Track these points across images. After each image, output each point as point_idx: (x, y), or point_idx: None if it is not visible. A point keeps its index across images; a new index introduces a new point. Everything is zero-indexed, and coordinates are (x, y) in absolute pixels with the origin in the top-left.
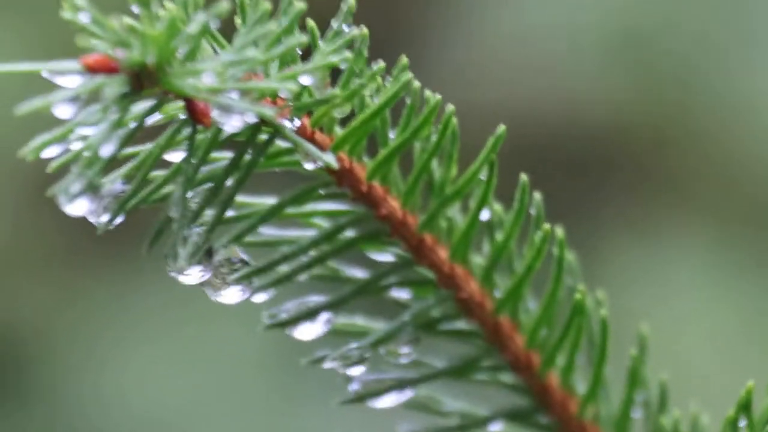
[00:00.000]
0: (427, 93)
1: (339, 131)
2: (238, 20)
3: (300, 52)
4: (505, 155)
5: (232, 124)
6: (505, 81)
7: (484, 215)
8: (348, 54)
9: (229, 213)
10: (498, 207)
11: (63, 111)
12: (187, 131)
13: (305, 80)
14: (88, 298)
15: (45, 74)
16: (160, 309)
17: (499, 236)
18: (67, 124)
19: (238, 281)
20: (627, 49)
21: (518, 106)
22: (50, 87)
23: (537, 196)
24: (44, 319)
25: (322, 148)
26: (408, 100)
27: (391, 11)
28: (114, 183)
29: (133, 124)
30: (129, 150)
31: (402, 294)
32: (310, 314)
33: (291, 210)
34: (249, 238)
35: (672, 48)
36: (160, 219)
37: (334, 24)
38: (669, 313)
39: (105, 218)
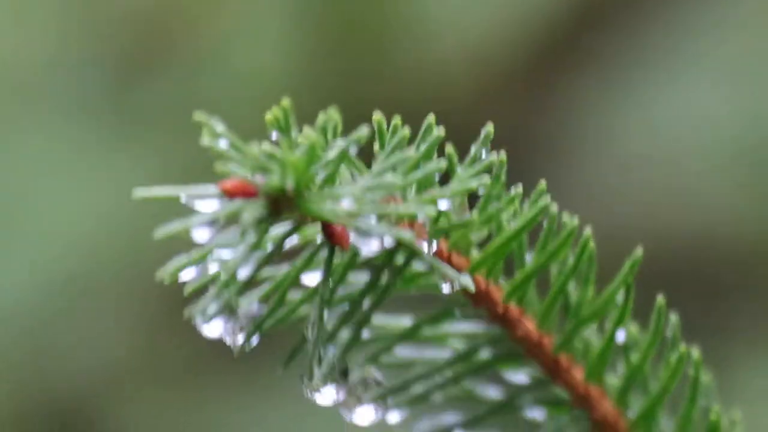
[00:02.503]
0: (565, 217)
1: (476, 254)
2: (376, 145)
3: (438, 177)
4: (639, 273)
5: (369, 248)
6: (638, 198)
7: (620, 337)
8: (486, 179)
9: (365, 334)
10: (633, 329)
11: (201, 234)
12: (324, 254)
13: (443, 204)
14: (221, 418)
15: (184, 199)
16: (294, 428)
17: (635, 357)
18: (204, 246)
19: (372, 401)
20: (764, 165)
21: (652, 223)
22: (186, 209)
23: (673, 318)
24: None
25: (458, 270)
26: (545, 224)
27: (527, 129)
28: (251, 305)
29: (270, 247)
30: (266, 272)
31: (536, 413)
32: None
33: (426, 331)
34: (384, 359)
35: None
36: (296, 339)
37: (473, 149)
38: None
39: (241, 340)
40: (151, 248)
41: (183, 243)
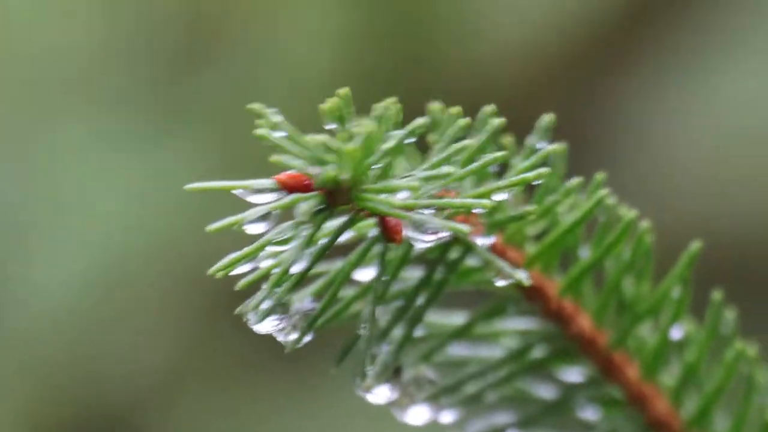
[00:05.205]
0: (622, 210)
1: (531, 248)
2: (433, 136)
3: (494, 168)
4: (695, 268)
5: (424, 241)
6: (691, 191)
7: (676, 334)
8: (543, 170)
9: (418, 331)
10: (690, 326)
11: (254, 228)
12: (378, 248)
13: (500, 196)
14: (270, 417)
15: (239, 192)
16: (345, 428)
17: (690, 355)
18: (257, 241)
19: (426, 400)
20: None
21: (706, 217)
22: (233, 200)
23: (730, 314)
24: None
25: (514, 265)
26: (602, 217)
27: (576, 124)
28: (303, 301)
29: (324, 241)
30: (319, 268)
31: (590, 413)
32: None
33: (480, 328)
34: (437, 357)
35: None
36: (349, 337)
37: (530, 140)
38: None
39: (293, 336)
40: (197, 243)
41: (229, 238)
